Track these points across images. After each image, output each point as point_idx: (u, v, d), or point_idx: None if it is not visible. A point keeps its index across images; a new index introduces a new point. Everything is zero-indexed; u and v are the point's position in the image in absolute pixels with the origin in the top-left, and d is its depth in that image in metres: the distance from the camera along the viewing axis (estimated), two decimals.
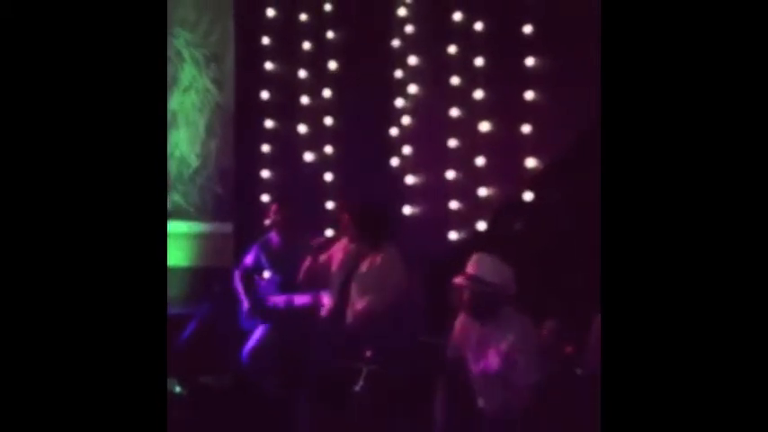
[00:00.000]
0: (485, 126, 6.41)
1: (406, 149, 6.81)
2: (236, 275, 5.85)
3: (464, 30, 6.49)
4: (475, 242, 6.29)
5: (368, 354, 4.10)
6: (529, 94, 6.25)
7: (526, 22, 6.17)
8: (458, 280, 4.17)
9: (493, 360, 4.07)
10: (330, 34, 7.11)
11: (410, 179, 6.78)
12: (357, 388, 4.06)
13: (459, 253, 6.24)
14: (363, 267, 4.96)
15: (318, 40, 7.18)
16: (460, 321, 4.30)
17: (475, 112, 6.46)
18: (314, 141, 7.20)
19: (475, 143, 6.46)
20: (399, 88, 6.82)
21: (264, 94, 7.37)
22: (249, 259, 5.90)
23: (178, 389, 5.30)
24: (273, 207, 5.85)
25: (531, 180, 6.22)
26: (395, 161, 6.83)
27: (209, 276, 5.78)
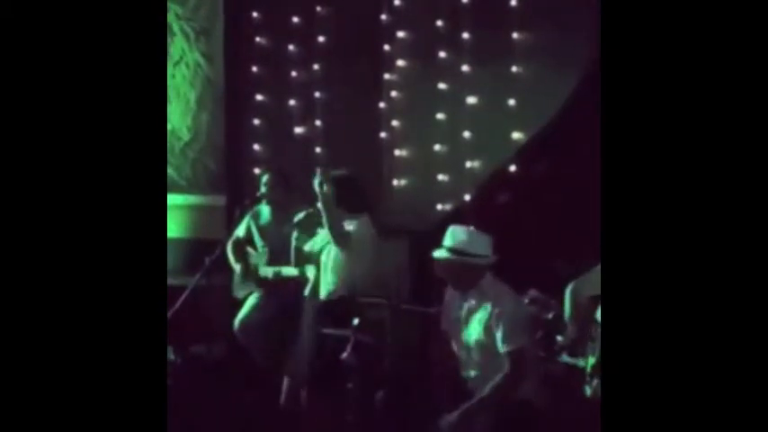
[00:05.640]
0: (471, 99, 6.50)
1: (395, 122, 6.90)
2: (228, 247, 5.94)
3: (451, 4, 6.55)
4: (461, 214, 6.41)
5: (355, 322, 4.16)
6: (515, 68, 6.34)
7: None
8: (437, 254, 4.20)
9: (475, 328, 4.16)
10: (319, 8, 7.15)
11: (398, 152, 6.87)
12: (345, 356, 4.11)
13: (446, 224, 6.37)
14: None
15: (307, 13, 7.21)
16: (448, 293, 4.37)
17: (462, 85, 6.55)
18: (303, 115, 7.26)
19: (462, 116, 6.55)
20: (388, 62, 6.88)
21: (254, 68, 7.42)
22: (240, 231, 5.99)
23: (172, 357, 5.41)
24: (264, 179, 5.91)
25: (517, 153, 6.32)
26: (383, 134, 6.92)
27: (202, 248, 5.86)
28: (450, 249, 4.15)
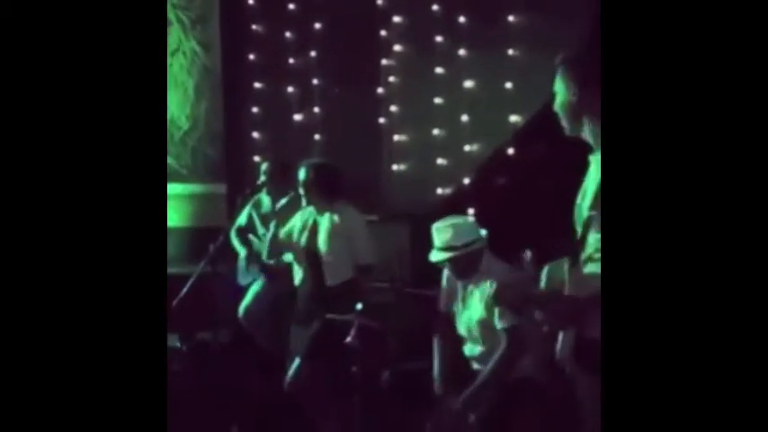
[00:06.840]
0: (468, 83, 6.54)
1: (393, 108, 6.94)
2: (231, 235, 5.99)
3: None
4: (461, 197, 6.46)
5: (359, 306, 4.19)
6: (511, 51, 6.37)
7: None
8: (434, 258, 4.19)
9: (476, 307, 4.21)
10: None
11: (397, 137, 6.92)
12: (349, 340, 4.15)
13: (446, 208, 6.42)
14: (324, 227, 4.90)
15: (303, 0, 7.24)
16: (445, 275, 4.39)
17: (459, 69, 6.58)
18: (302, 102, 7.30)
19: (459, 100, 6.59)
20: (385, 47, 6.91)
21: (251, 56, 7.44)
22: (242, 219, 6.03)
23: (178, 344, 5.47)
24: (263, 168, 5.95)
25: (515, 135, 6.36)
26: (382, 119, 6.96)
27: (204, 236, 5.91)
28: (442, 249, 4.17)
